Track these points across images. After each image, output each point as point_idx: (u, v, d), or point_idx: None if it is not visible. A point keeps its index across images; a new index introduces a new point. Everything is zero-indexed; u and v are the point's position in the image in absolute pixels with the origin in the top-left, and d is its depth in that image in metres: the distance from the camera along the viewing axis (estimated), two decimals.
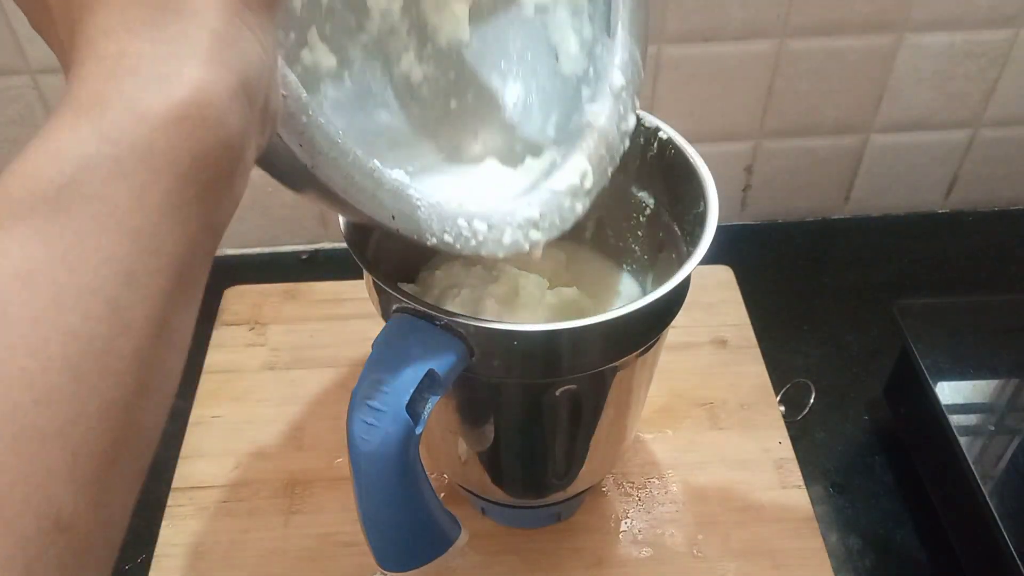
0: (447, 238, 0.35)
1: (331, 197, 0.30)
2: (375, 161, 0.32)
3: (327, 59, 0.38)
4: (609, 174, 0.42)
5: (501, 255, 0.38)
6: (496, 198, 0.40)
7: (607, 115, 0.41)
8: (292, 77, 0.27)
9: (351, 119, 0.40)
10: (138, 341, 0.19)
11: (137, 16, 0.20)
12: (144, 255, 0.19)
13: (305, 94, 0.28)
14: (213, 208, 0.21)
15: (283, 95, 0.26)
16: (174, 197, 0.20)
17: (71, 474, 0.18)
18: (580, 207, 0.41)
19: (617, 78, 0.41)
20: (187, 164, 0.20)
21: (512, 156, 0.44)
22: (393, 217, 0.33)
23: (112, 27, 0.20)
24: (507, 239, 0.38)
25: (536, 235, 0.39)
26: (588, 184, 0.41)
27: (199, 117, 0.20)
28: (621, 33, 0.41)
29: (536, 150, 0.44)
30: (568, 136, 0.42)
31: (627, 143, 0.42)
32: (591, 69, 0.42)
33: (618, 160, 0.42)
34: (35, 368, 0.18)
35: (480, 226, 0.37)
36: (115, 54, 0.20)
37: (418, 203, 0.34)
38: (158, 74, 0.20)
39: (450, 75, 0.43)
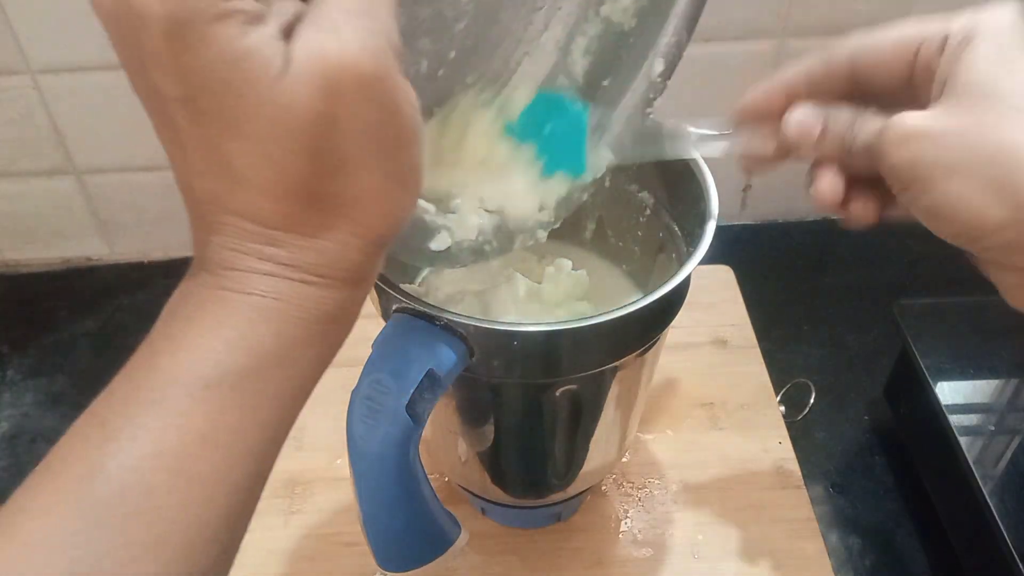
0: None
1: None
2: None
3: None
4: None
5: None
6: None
7: (635, 104, 0.40)
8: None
9: None
10: (263, 482, 0.25)
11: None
12: (286, 422, 0.25)
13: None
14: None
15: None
16: (302, 379, 0.26)
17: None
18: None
19: (658, 64, 0.40)
20: (314, 358, 0.26)
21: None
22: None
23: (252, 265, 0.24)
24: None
25: (547, 216, 0.40)
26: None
27: (333, 333, 0.26)
28: (675, 17, 0.39)
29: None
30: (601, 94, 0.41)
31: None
32: (636, 36, 0.40)
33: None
34: (192, 523, 0.23)
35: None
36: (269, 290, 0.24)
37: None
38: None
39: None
